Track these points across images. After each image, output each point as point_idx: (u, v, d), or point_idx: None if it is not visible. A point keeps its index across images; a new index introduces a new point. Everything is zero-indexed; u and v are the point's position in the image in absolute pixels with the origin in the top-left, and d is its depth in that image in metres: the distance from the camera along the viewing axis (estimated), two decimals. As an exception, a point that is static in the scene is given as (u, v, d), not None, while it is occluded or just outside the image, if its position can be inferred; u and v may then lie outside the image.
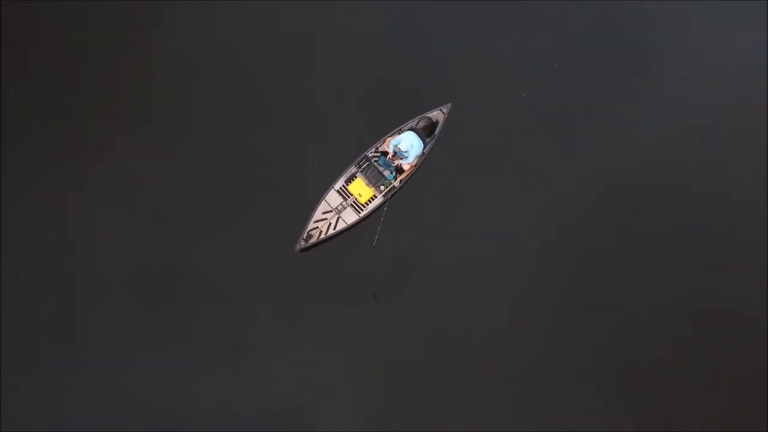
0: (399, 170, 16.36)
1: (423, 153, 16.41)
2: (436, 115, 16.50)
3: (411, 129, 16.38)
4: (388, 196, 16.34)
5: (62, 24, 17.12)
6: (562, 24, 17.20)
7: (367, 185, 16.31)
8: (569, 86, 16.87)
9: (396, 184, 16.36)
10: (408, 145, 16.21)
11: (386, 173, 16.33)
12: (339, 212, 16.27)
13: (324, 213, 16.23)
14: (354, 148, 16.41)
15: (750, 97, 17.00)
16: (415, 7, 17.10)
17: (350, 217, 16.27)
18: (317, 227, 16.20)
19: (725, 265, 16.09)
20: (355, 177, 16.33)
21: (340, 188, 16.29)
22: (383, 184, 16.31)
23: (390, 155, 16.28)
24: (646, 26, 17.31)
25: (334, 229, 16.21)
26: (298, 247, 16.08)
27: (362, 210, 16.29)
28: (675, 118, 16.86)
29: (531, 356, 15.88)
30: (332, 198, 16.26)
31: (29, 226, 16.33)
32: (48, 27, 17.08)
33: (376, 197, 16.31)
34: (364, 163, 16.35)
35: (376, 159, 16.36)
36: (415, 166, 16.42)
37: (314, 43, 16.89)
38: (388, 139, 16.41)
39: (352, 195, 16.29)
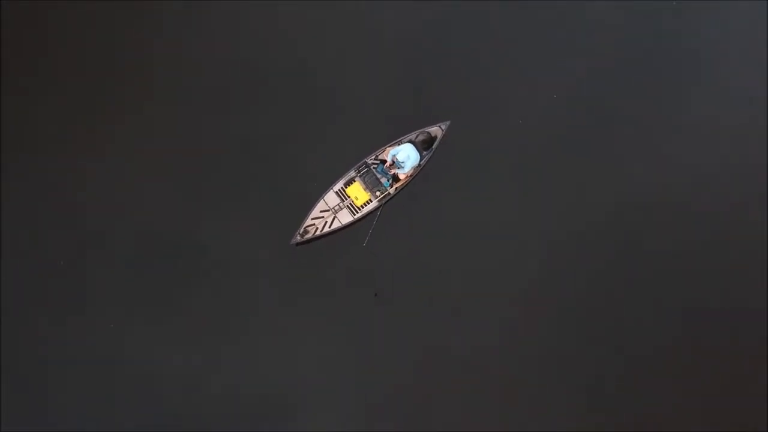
0: (395, 179, 17.55)
1: (419, 165, 17.58)
2: (435, 130, 17.67)
3: (410, 141, 17.56)
4: (383, 201, 17.54)
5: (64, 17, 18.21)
6: (570, 49, 18.06)
7: (364, 190, 17.51)
8: (568, 114, 17.80)
9: (391, 191, 17.55)
10: (405, 156, 17.40)
11: (383, 180, 17.52)
12: (335, 212, 17.49)
13: (321, 211, 17.45)
14: (356, 153, 17.58)
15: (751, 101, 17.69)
16: (429, 26, 18.11)
17: (345, 217, 17.49)
18: (314, 224, 17.42)
19: (725, 266, 16.93)
20: (354, 181, 17.54)
21: (339, 190, 17.51)
22: (379, 190, 17.51)
23: (388, 164, 17.47)
24: (654, 50, 18.06)
25: (330, 227, 17.43)
26: (294, 241, 17.33)
27: (357, 212, 17.50)
28: (675, 127, 17.65)
29: (530, 357, 16.87)
30: (330, 198, 17.48)
31: (31, 215, 17.56)
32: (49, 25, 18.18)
33: (371, 201, 17.51)
34: (363, 169, 17.57)
35: (375, 166, 17.56)
36: (411, 176, 17.60)
37: (333, 51, 17.99)
38: (388, 148, 17.60)
39: (349, 197, 17.50)
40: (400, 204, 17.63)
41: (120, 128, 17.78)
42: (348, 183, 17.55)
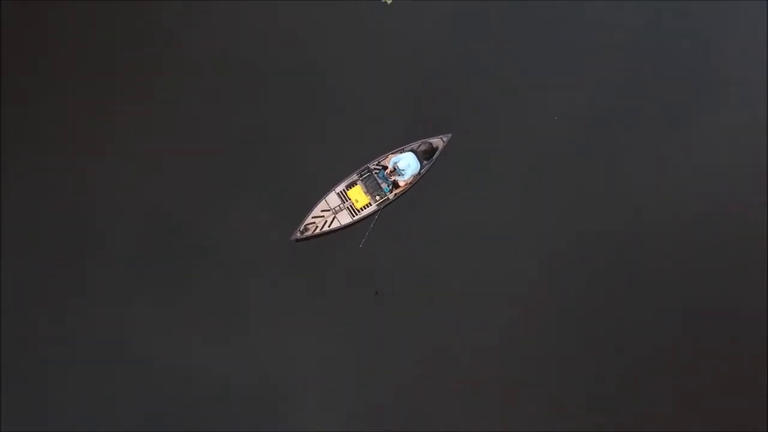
0: (395, 185, 17.93)
1: (419, 173, 18.02)
2: (437, 142, 18.23)
3: (412, 150, 18.08)
4: (382, 206, 17.85)
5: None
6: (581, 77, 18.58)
7: (365, 193, 17.84)
8: (568, 119, 18.26)
9: (390, 196, 17.89)
10: (406, 164, 17.88)
11: (383, 185, 17.89)
12: (335, 213, 17.72)
13: (322, 211, 17.68)
14: (359, 158, 18.00)
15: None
16: (440, 40, 18.77)
17: (345, 218, 17.71)
18: (314, 222, 17.58)
19: (725, 266, 17.11)
20: (356, 184, 17.89)
21: (340, 191, 17.83)
22: (379, 195, 17.84)
23: (389, 170, 17.89)
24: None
25: (329, 226, 17.61)
26: (293, 237, 17.45)
27: (356, 214, 17.76)
28: (674, 127, 18.06)
29: (530, 357, 16.82)
30: (332, 199, 17.77)
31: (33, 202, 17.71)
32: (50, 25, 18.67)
33: (370, 205, 17.82)
34: (365, 173, 17.96)
35: (377, 171, 17.97)
36: (410, 184, 17.99)
37: (344, 57, 18.59)
38: (390, 155, 18.08)
39: (349, 199, 17.79)
40: (399, 209, 17.92)
41: (122, 127, 18.12)
42: (350, 186, 17.89)
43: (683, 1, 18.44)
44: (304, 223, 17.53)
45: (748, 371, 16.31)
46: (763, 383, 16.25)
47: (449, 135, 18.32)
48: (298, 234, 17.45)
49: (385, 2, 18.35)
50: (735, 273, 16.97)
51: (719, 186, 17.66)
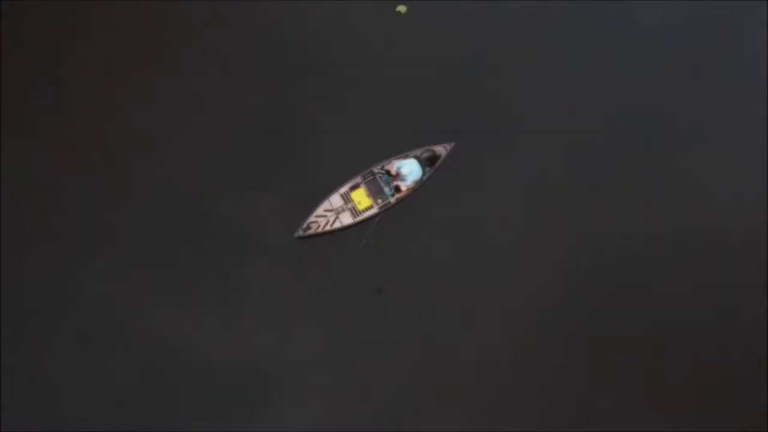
0: (397, 189, 18.47)
1: (421, 180, 18.56)
2: (440, 150, 18.79)
3: (415, 157, 18.65)
4: (383, 209, 18.39)
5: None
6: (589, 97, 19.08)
7: (367, 196, 18.41)
8: (570, 147, 18.76)
9: (392, 200, 18.44)
10: (408, 170, 18.45)
11: (385, 189, 18.45)
12: (338, 213, 18.26)
13: (325, 211, 18.22)
14: (364, 161, 18.56)
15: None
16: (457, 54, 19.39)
17: (346, 219, 18.26)
18: (316, 221, 18.12)
19: (726, 266, 17.57)
20: (359, 186, 18.47)
21: (344, 193, 18.38)
22: (381, 198, 18.40)
23: (392, 174, 18.45)
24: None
25: (331, 226, 18.15)
26: (296, 235, 17.98)
27: (358, 216, 18.30)
28: (677, 142, 18.59)
29: (529, 359, 17.22)
30: (335, 200, 18.32)
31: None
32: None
33: (372, 207, 18.38)
34: (368, 177, 18.55)
35: (380, 175, 18.54)
36: (412, 189, 18.52)
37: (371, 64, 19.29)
38: (394, 161, 18.64)
39: (352, 201, 18.35)
40: (399, 213, 18.42)
41: (124, 125, 18.64)
42: (353, 188, 18.45)
43: (684, 1, 18.90)
44: (307, 222, 18.07)
45: (748, 371, 16.52)
46: (763, 383, 16.44)
47: (452, 144, 18.89)
48: (301, 232, 17.98)
49: (399, 12, 19.05)
50: (736, 274, 17.35)
51: (719, 194, 18.15)
